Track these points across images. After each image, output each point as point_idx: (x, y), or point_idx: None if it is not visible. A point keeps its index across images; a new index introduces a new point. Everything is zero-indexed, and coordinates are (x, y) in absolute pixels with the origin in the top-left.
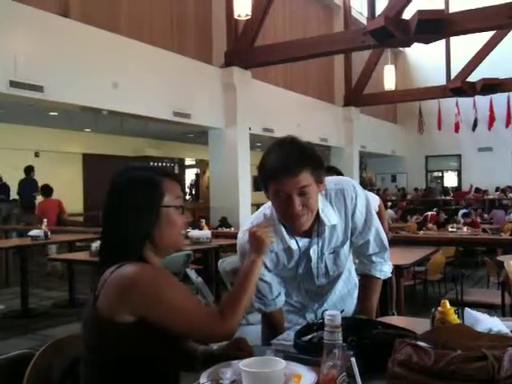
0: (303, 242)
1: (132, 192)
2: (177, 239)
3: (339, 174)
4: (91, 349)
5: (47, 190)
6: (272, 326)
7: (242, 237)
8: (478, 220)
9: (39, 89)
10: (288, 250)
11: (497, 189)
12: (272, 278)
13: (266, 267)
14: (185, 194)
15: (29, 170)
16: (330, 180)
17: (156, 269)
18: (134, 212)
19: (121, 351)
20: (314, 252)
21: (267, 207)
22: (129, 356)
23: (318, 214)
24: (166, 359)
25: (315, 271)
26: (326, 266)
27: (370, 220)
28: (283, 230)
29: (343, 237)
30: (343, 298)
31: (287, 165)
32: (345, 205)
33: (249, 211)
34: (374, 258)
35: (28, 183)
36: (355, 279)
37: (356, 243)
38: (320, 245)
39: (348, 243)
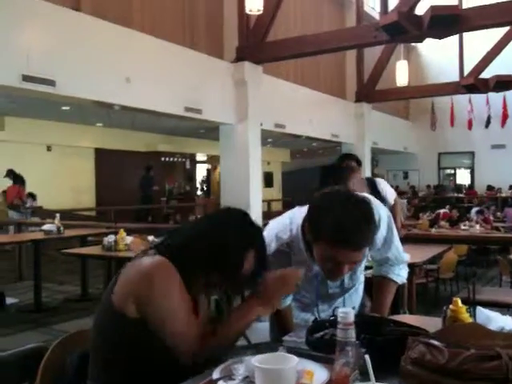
0: None
1: (232, 231)
2: (240, 281)
3: (358, 161)
4: (99, 336)
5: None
6: (281, 322)
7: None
8: (491, 218)
9: (51, 83)
10: (312, 273)
11: (510, 187)
12: None
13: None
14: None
15: (148, 168)
16: None
17: (171, 269)
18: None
19: (124, 342)
20: None
21: (294, 222)
22: (130, 348)
23: None
24: (164, 357)
25: (331, 284)
26: (342, 281)
27: (391, 238)
28: (307, 253)
29: (362, 256)
30: (351, 295)
31: (359, 240)
32: None
33: (259, 207)
34: (390, 263)
35: (147, 179)
36: (362, 276)
37: (374, 257)
38: None
39: (365, 261)
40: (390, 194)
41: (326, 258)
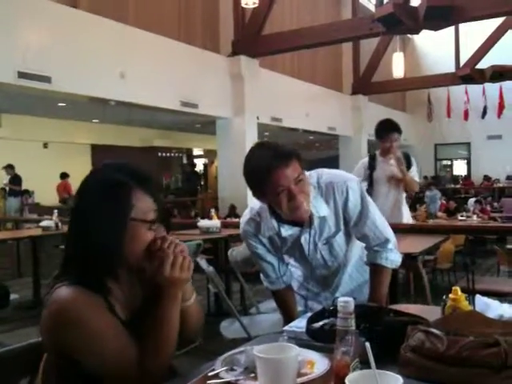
0: (294, 230)
1: (99, 196)
2: (137, 259)
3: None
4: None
5: None
6: (282, 303)
7: (242, 224)
8: (488, 208)
9: (47, 79)
10: (279, 236)
11: (507, 177)
12: (275, 260)
13: (266, 248)
14: (160, 205)
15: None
16: (322, 173)
17: (86, 297)
18: (100, 221)
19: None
20: (305, 241)
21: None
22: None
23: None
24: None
25: (312, 262)
26: (322, 257)
27: (366, 213)
28: (273, 219)
29: (335, 228)
30: (361, 286)
31: (278, 160)
32: (334, 198)
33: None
34: (376, 248)
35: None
36: (349, 257)
37: (355, 235)
38: (312, 235)
39: (341, 234)
40: (415, 175)
41: (275, 194)
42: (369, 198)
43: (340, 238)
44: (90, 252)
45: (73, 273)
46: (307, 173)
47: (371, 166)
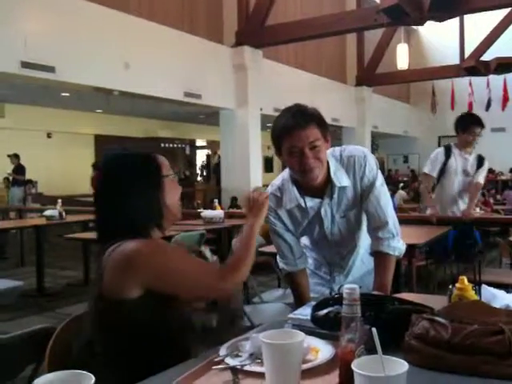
0: (314, 202)
1: (133, 167)
2: (177, 208)
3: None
4: (98, 328)
5: None
6: (295, 287)
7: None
8: (491, 201)
9: (50, 69)
10: (300, 208)
11: (511, 169)
12: (292, 240)
13: (286, 227)
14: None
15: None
16: (346, 148)
17: (156, 241)
18: (140, 186)
19: (129, 328)
20: (325, 213)
21: (285, 170)
22: (137, 332)
23: (329, 176)
24: (173, 331)
25: (329, 236)
26: (339, 231)
27: (372, 189)
28: (295, 189)
29: (353, 201)
30: (371, 272)
31: (296, 120)
32: (354, 170)
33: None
34: (379, 234)
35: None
36: (363, 237)
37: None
38: (331, 206)
39: (358, 209)
40: (483, 176)
41: (289, 153)
42: (381, 178)
43: (356, 213)
44: (141, 211)
45: (119, 235)
46: (332, 148)
47: (447, 156)
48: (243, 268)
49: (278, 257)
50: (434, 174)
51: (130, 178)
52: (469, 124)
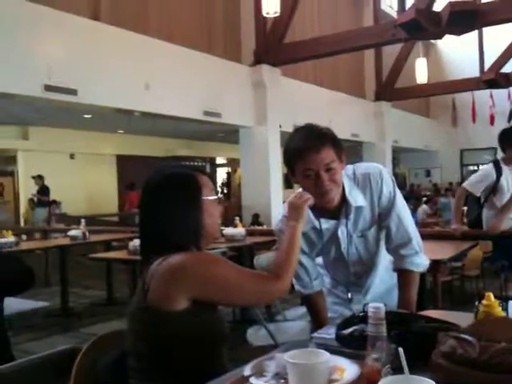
0: (330, 223)
1: (174, 187)
2: (216, 229)
3: None
4: (140, 341)
5: None
6: (313, 309)
7: (277, 222)
8: None
9: (73, 92)
10: (315, 230)
11: None
12: (308, 262)
13: (301, 249)
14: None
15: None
16: (359, 166)
17: (202, 253)
18: (180, 206)
19: (171, 341)
20: (342, 234)
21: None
22: (178, 345)
23: (344, 196)
24: (213, 348)
25: (346, 256)
26: (357, 251)
27: (393, 206)
28: (310, 211)
29: (370, 220)
30: (389, 290)
31: (310, 142)
32: (370, 188)
33: (281, 209)
34: (402, 252)
35: None
36: (382, 255)
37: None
38: (348, 227)
39: (376, 228)
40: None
41: (303, 176)
42: (399, 193)
43: (374, 232)
44: (180, 230)
45: (160, 252)
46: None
47: (498, 173)
48: (292, 264)
49: (293, 279)
50: (478, 194)
51: (170, 198)
52: None
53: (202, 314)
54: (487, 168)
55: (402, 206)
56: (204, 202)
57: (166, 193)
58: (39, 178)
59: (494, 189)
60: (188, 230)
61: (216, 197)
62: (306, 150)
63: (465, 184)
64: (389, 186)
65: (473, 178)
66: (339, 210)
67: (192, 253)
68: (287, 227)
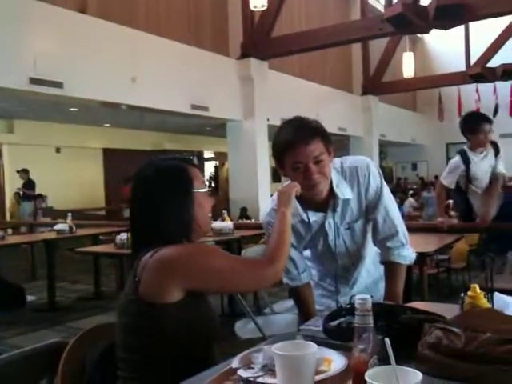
0: (318, 216)
1: (166, 180)
2: (207, 222)
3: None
4: (131, 333)
5: None
6: (300, 301)
7: (265, 215)
8: None
9: (59, 85)
10: (303, 222)
11: None
12: (295, 254)
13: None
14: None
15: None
16: (347, 159)
17: (194, 244)
18: (171, 199)
19: (163, 333)
20: (329, 226)
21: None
22: (169, 337)
23: (332, 189)
24: (204, 339)
25: (334, 249)
26: (344, 243)
27: (380, 199)
28: (297, 204)
29: (358, 212)
30: (376, 282)
31: (299, 135)
32: (357, 181)
33: (269, 202)
34: (388, 244)
35: None
36: (369, 248)
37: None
38: (335, 219)
39: (363, 221)
40: (503, 164)
41: (292, 168)
42: (386, 186)
43: (361, 224)
44: (171, 223)
45: (152, 244)
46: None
47: (466, 162)
48: (284, 248)
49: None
50: (453, 186)
51: (161, 191)
52: (475, 124)
53: (195, 306)
54: (454, 160)
55: (389, 199)
56: (195, 194)
57: (158, 186)
58: (24, 172)
59: (467, 178)
60: (180, 223)
61: (207, 189)
62: (296, 142)
63: (441, 179)
64: (376, 178)
65: (444, 171)
66: (327, 202)
67: (185, 245)
68: (277, 214)
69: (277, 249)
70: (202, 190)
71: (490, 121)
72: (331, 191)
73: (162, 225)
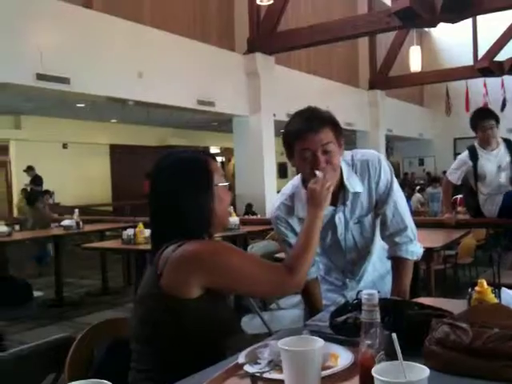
0: (328, 210)
1: (186, 174)
2: (226, 215)
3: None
4: (148, 325)
5: None
6: (308, 296)
7: (273, 210)
8: None
9: (66, 81)
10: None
11: None
12: None
13: (297, 235)
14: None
15: None
16: (357, 152)
17: (217, 242)
18: (193, 192)
19: (180, 327)
20: (339, 220)
21: (295, 178)
22: (186, 332)
23: (342, 182)
24: (219, 337)
25: (343, 243)
26: (353, 237)
27: (390, 193)
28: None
29: (367, 207)
30: (382, 276)
31: (309, 123)
32: (368, 175)
33: (275, 197)
34: (396, 239)
35: None
36: (377, 242)
37: (378, 211)
38: (345, 213)
39: (372, 215)
40: None
41: (300, 156)
42: (396, 181)
43: (371, 219)
44: (192, 217)
45: (173, 238)
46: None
47: (474, 158)
48: (308, 256)
49: None
50: (459, 182)
51: (182, 184)
52: (477, 120)
53: (214, 304)
54: (462, 155)
55: (398, 194)
56: (216, 188)
57: (178, 179)
58: (30, 169)
59: (475, 175)
60: (200, 217)
61: (227, 183)
62: (305, 130)
63: (447, 175)
64: (387, 173)
65: (451, 167)
66: (337, 195)
67: (208, 241)
68: (307, 214)
69: (300, 257)
70: (222, 183)
71: (491, 117)
72: (341, 184)
73: (183, 219)
